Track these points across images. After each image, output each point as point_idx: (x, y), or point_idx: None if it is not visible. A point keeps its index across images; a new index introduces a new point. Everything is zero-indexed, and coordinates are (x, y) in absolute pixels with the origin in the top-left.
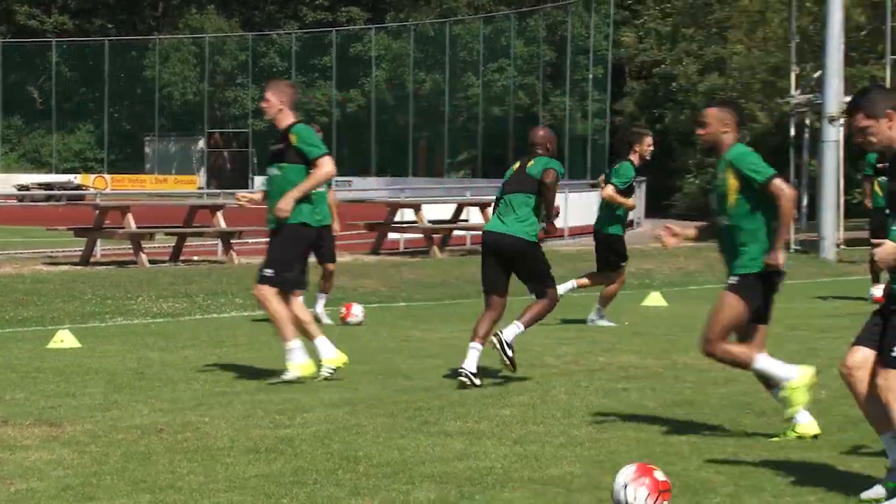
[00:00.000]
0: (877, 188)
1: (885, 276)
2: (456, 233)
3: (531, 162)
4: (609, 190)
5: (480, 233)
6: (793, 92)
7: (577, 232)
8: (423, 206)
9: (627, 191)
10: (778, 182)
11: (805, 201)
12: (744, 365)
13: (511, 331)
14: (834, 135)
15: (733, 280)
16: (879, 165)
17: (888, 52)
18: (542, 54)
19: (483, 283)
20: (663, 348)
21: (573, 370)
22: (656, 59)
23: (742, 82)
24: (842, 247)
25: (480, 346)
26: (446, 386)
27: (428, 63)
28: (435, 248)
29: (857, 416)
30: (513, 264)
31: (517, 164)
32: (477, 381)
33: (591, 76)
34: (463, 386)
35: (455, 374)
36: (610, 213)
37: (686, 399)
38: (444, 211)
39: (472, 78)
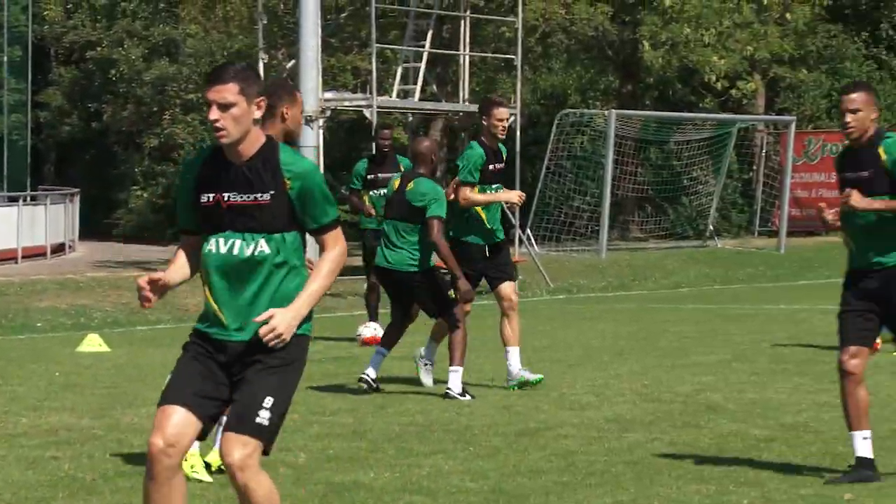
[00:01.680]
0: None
1: None
2: None
3: (411, 185)
4: (459, 191)
5: None
6: None
7: None
8: None
9: (489, 180)
10: None
11: None
12: None
13: (454, 379)
14: (313, 138)
15: None
16: (370, 177)
17: (373, 40)
18: None
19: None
20: (103, 405)
21: None
22: (90, 39)
23: (199, 71)
24: None
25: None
26: None
27: None
28: None
29: None
30: (411, 296)
31: (397, 182)
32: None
33: (5, 59)
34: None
35: None
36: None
37: (134, 469)
38: None
39: None
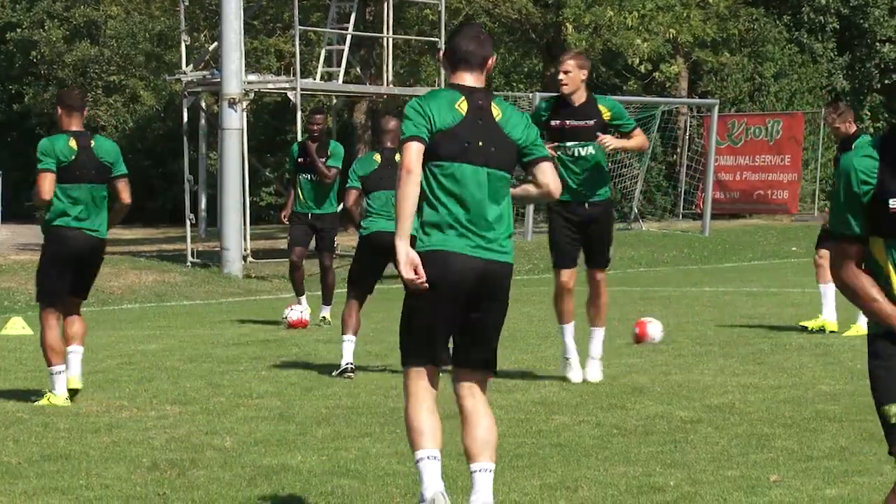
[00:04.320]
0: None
1: None
2: None
3: (398, 157)
4: None
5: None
6: (184, 67)
7: None
8: None
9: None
10: None
11: (204, 203)
12: None
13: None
14: (237, 121)
15: None
16: (300, 160)
17: (296, 22)
18: None
19: (356, 279)
20: (28, 388)
21: None
22: (10, 20)
23: (121, 53)
24: (249, 259)
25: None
26: None
27: None
28: None
29: None
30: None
31: (377, 156)
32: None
33: None
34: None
35: None
36: None
37: (60, 452)
38: None
39: None
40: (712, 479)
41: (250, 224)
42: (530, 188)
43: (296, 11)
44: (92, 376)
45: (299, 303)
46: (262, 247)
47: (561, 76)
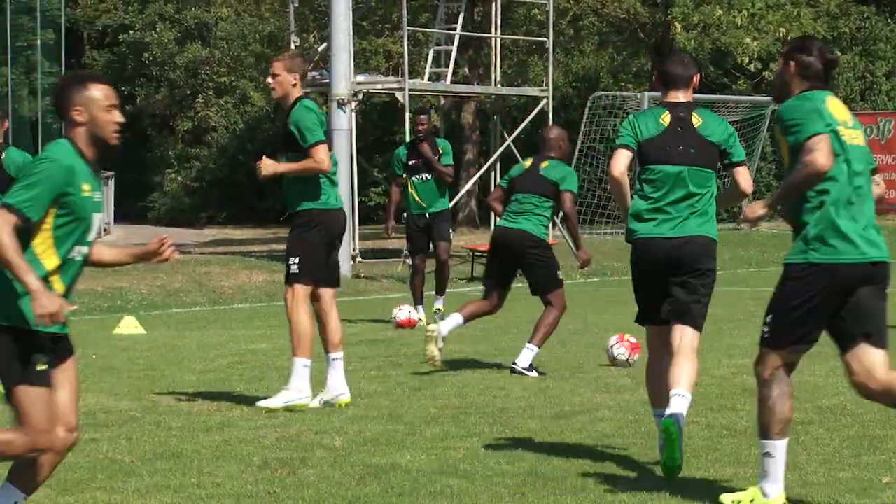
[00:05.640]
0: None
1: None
2: None
3: (545, 164)
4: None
5: None
6: None
7: None
8: None
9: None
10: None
11: None
12: None
13: (526, 357)
14: (345, 122)
15: None
16: (410, 162)
17: (405, 23)
18: None
19: (487, 276)
20: (141, 387)
21: None
22: (123, 22)
23: (232, 55)
24: (358, 259)
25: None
26: None
27: None
28: None
29: None
30: (521, 261)
31: (528, 162)
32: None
33: (39, 42)
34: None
35: None
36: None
37: (172, 450)
38: None
39: None
40: (823, 480)
41: (359, 224)
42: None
43: (404, 12)
44: (203, 375)
45: (416, 309)
46: (370, 247)
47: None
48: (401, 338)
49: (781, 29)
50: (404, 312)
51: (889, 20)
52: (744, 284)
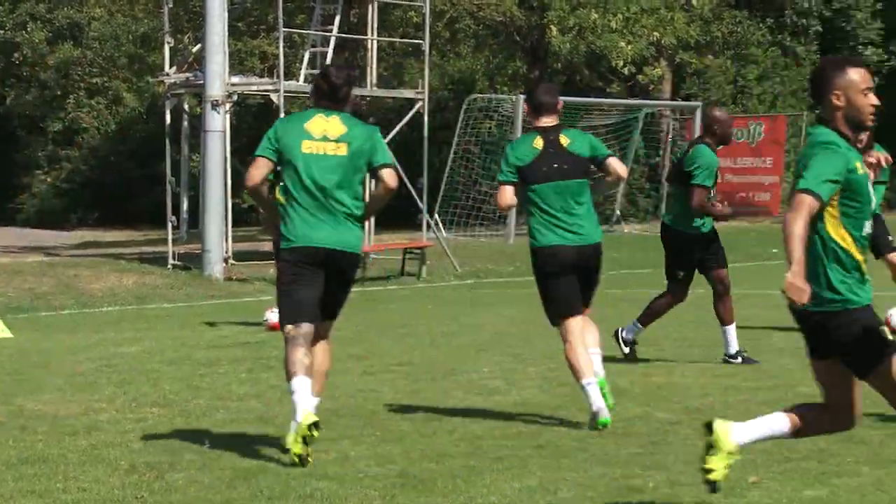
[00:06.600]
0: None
1: None
2: None
3: (690, 150)
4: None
5: None
6: (167, 69)
7: None
8: None
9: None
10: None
11: (186, 205)
12: None
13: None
14: (219, 123)
15: None
16: None
17: (280, 24)
18: None
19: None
20: (7, 391)
21: None
22: None
23: (104, 55)
24: (231, 262)
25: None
26: None
27: None
28: None
29: None
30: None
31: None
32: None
33: None
34: None
35: None
36: None
37: (38, 455)
38: None
39: None
40: (691, 480)
41: (232, 226)
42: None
43: (280, 13)
44: (71, 378)
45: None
46: (243, 249)
47: None
48: (272, 340)
49: (655, 33)
50: (276, 315)
51: (761, 24)
52: (616, 286)
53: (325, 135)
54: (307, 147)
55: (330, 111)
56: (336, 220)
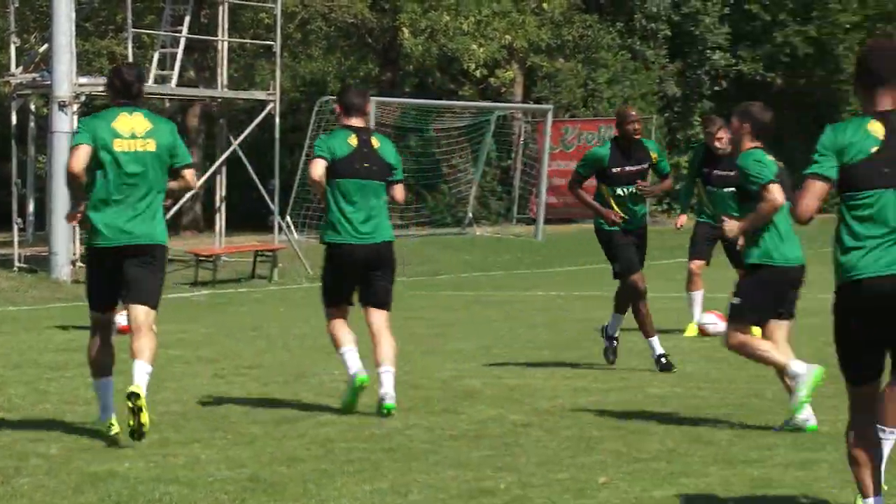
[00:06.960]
0: None
1: None
2: None
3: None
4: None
5: None
6: (13, 69)
7: None
8: None
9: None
10: None
11: (32, 207)
12: None
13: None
14: (67, 124)
15: None
16: None
17: (130, 25)
18: None
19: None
20: None
21: None
22: None
23: None
24: (78, 264)
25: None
26: None
27: None
28: None
29: None
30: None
31: None
32: None
33: None
34: None
35: None
36: None
37: None
38: None
39: None
40: (542, 482)
41: (79, 229)
42: None
43: (129, 13)
44: None
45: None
46: None
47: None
48: (121, 343)
49: (507, 36)
50: (125, 318)
51: (611, 28)
52: (467, 288)
53: (132, 132)
54: (118, 145)
55: (132, 108)
56: (146, 214)
